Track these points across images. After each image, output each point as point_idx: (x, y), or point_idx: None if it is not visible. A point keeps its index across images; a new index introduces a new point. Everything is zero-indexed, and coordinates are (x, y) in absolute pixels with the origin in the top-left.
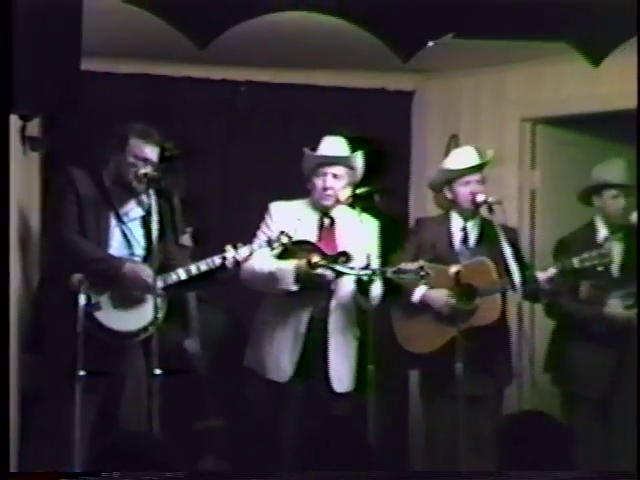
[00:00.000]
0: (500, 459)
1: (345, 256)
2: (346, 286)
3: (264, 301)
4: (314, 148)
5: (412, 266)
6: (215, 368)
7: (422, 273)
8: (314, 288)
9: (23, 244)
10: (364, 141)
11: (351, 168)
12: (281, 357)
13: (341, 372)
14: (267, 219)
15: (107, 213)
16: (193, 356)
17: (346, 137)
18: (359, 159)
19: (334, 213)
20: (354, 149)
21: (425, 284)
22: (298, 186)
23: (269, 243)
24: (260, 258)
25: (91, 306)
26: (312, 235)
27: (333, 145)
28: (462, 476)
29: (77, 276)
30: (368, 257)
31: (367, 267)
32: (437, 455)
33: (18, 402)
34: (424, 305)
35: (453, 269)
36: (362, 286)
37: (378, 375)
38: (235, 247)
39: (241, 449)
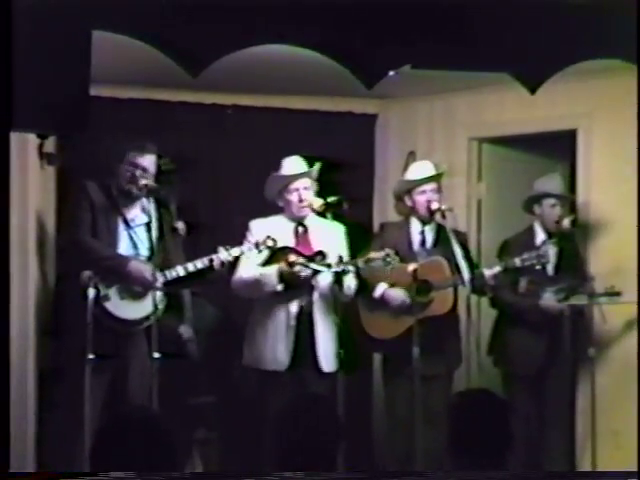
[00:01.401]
0: (450, 430)
1: (321, 255)
2: (325, 281)
3: (255, 304)
4: (276, 170)
5: (379, 254)
6: (205, 352)
7: (388, 259)
8: (297, 286)
9: (41, 245)
10: (317, 157)
11: (314, 179)
12: (277, 349)
13: (328, 354)
14: (248, 236)
15: (116, 219)
16: (187, 342)
17: (302, 155)
18: (317, 170)
19: (307, 221)
20: (311, 164)
21: (392, 270)
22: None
23: (256, 246)
24: (246, 267)
25: (101, 297)
26: (290, 243)
27: (295, 163)
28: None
29: (87, 273)
30: (340, 255)
31: (341, 262)
32: (396, 425)
33: (36, 381)
34: (383, 301)
35: (412, 267)
36: (338, 279)
37: (349, 357)
38: (226, 249)
39: (233, 424)
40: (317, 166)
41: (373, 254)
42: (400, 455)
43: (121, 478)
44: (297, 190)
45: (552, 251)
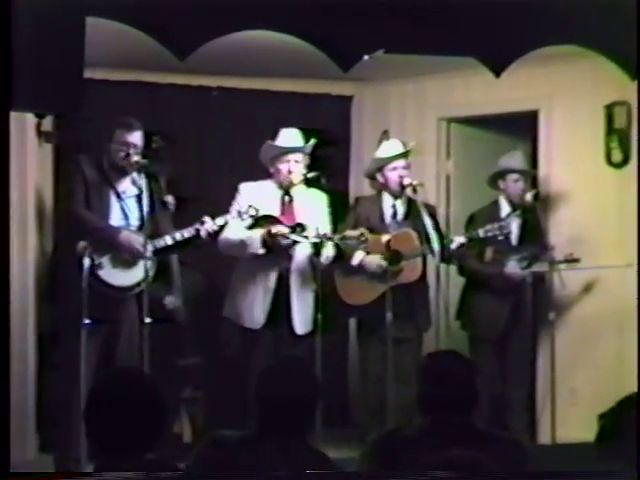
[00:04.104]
0: (419, 388)
1: (301, 227)
2: (302, 251)
3: (238, 263)
4: (273, 139)
5: (354, 233)
6: (193, 317)
7: (362, 239)
8: (278, 252)
9: (40, 217)
10: (312, 132)
11: (306, 154)
12: (254, 308)
13: (303, 317)
14: (237, 197)
15: (108, 191)
16: (175, 308)
17: (299, 129)
18: (311, 146)
19: (293, 192)
20: (306, 139)
21: (365, 248)
22: (258, 170)
23: (239, 214)
24: (232, 229)
25: (95, 266)
26: (276, 210)
27: (292, 136)
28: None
29: (82, 243)
30: (318, 227)
31: (318, 235)
32: (370, 383)
33: (36, 344)
34: (360, 267)
35: (384, 238)
36: (315, 250)
37: (326, 322)
38: (212, 218)
39: (218, 383)
40: (312, 142)
41: (349, 232)
42: (373, 410)
43: (123, 478)
44: (289, 162)
45: (515, 223)
